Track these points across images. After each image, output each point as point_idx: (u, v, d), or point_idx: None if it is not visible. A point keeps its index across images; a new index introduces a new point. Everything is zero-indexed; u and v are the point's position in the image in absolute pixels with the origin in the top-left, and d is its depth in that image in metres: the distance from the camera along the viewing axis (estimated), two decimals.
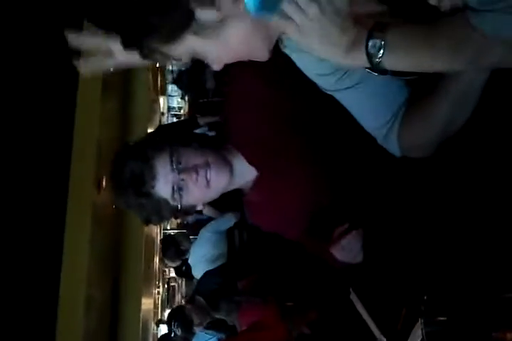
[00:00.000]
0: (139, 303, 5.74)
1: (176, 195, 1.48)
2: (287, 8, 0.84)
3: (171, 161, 1.49)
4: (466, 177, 1.12)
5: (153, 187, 1.46)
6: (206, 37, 0.89)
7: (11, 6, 4.53)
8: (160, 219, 1.56)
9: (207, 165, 1.51)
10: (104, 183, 5.08)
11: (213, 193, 1.55)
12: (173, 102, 9.13)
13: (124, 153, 1.55)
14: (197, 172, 1.49)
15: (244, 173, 1.61)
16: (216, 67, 0.99)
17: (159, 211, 1.51)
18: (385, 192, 1.26)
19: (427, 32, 0.86)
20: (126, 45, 0.90)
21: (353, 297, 1.47)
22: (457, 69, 0.88)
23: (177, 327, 3.71)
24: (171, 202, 1.50)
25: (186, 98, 7.43)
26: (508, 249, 0.96)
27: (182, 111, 8.59)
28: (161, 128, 3.75)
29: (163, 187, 1.47)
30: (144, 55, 0.93)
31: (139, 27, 0.86)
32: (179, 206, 1.50)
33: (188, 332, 3.64)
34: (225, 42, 0.90)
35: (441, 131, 1.07)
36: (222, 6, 0.86)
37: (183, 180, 1.48)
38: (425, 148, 1.12)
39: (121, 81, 5.92)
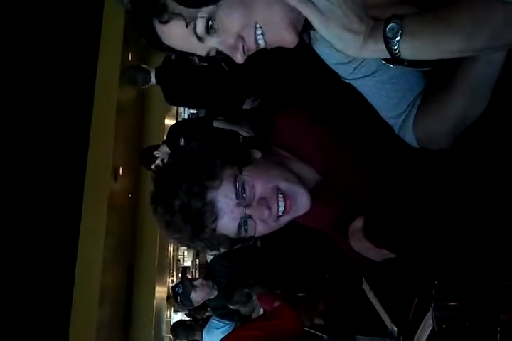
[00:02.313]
0: (153, 291, 5.80)
1: (242, 232, 1.22)
2: None
3: (236, 192, 1.19)
4: (483, 169, 1.12)
5: (214, 229, 1.19)
6: None
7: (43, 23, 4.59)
8: (216, 251, 1.32)
9: (279, 192, 1.22)
10: (120, 172, 5.13)
11: (287, 222, 1.28)
12: None
13: (171, 177, 1.21)
14: (269, 208, 1.21)
15: (310, 180, 1.33)
16: (238, 56, 0.92)
17: (217, 247, 1.27)
18: (400, 182, 1.25)
19: (445, 12, 0.85)
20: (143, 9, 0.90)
21: (366, 287, 1.48)
22: (478, 48, 0.85)
23: (180, 292, 3.73)
24: (233, 237, 1.24)
25: None
26: None
27: None
28: (183, 129, 3.59)
29: (227, 226, 1.20)
30: (163, 20, 0.89)
31: None
32: (240, 239, 1.26)
33: (187, 295, 3.65)
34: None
35: (457, 121, 1.07)
36: None
37: (250, 216, 1.21)
38: (441, 139, 1.11)
39: None
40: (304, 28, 0.97)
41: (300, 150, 1.33)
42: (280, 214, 1.23)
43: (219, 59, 1.00)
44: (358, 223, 1.32)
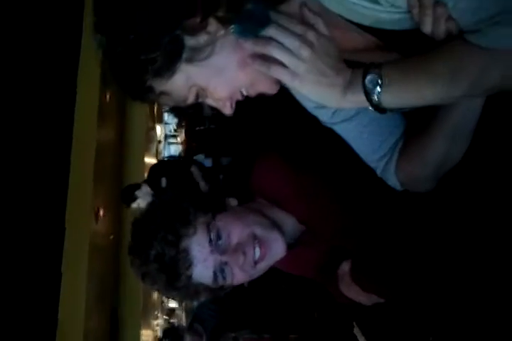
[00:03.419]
0: (138, 335, 5.65)
1: (219, 280, 1.21)
2: (279, 53, 0.85)
3: (210, 240, 1.19)
4: (469, 212, 1.11)
5: (189, 277, 1.18)
6: (201, 63, 0.87)
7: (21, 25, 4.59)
8: (196, 301, 1.33)
9: (254, 239, 1.21)
10: (101, 213, 5.05)
11: (265, 269, 1.27)
12: (169, 130, 9.16)
13: (146, 227, 1.22)
14: (244, 254, 1.20)
15: (291, 230, 1.31)
16: (227, 109, 0.95)
17: (196, 296, 1.26)
18: (384, 225, 1.24)
19: (424, 60, 0.85)
20: (129, 91, 0.91)
21: (357, 331, 1.44)
22: (458, 95, 0.86)
23: None
24: (211, 286, 1.23)
25: (183, 126, 7.45)
26: None
27: (178, 139, 8.62)
28: (163, 169, 3.60)
29: (202, 274, 1.20)
30: (148, 99, 0.92)
31: (133, 67, 0.85)
32: (219, 288, 1.24)
33: None
34: (221, 68, 0.89)
35: (438, 165, 1.07)
36: (210, 29, 0.86)
37: (226, 263, 1.20)
38: (424, 182, 1.11)
39: (118, 109, 5.95)
40: None
41: (279, 198, 1.32)
42: (256, 259, 1.22)
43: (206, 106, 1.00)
44: (345, 267, 1.31)
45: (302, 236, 1.33)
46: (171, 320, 7.45)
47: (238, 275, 1.22)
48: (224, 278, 1.21)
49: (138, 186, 3.82)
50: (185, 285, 1.19)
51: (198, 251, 1.18)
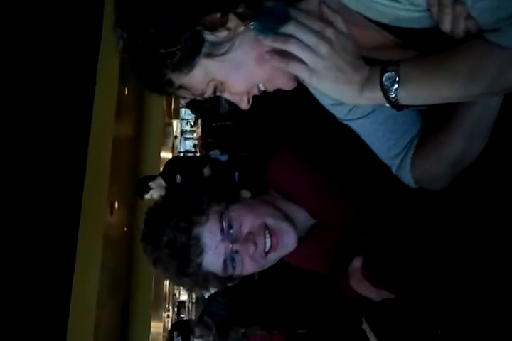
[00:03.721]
0: (149, 327, 5.69)
1: (229, 268, 1.22)
2: (297, 50, 0.86)
3: (222, 228, 1.21)
4: (482, 210, 1.11)
5: (199, 264, 1.20)
6: (219, 58, 0.89)
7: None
8: (205, 290, 1.34)
9: (266, 229, 1.22)
10: (116, 206, 5.10)
11: (275, 260, 1.28)
12: (186, 126, 9.20)
13: (159, 215, 1.25)
14: (255, 243, 1.21)
15: (302, 223, 1.32)
16: (244, 104, 0.97)
17: (205, 285, 1.27)
18: (398, 222, 1.25)
19: (442, 58, 0.86)
20: (148, 84, 0.93)
21: (366, 327, 1.45)
22: (476, 94, 0.86)
23: (177, 336, 3.71)
24: (220, 275, 1.24)
25: (199, 122, 7.49)
26: None
27: (195, 134, 8.66)
28: (178, 165, 3.64)
29: (212, 261, 1.21)
30: (167, 92, 0.94)
31: (152, 61, 0.87)
32: (230, 277, 1.25)
33: None
34: (240, 64, 0.91)
35: (455, 162, 1.07)
36: (230, 25, 0.87)
37: (237, 252, 1.21)
38: (439, 180, 1.11)
39: (135, 105, 5.99)
40: None
41: (293, 192, 1.33)
42: (267, 250, 1.23)
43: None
44: (357, 263, 1.32)
45: (313, 229, 1.35)
46: (181, 313, 7.50)
47: (248, 265, 1.23)
48: (234, 267, 1.22)
49: (153, 178, 3.88)
50: (196, 272, 1.21)
51: (209, 238, 1.20)
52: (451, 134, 1.04)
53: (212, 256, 1.21)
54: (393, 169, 1.15)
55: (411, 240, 1.22)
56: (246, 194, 1.32)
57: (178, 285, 1.31)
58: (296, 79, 0.96)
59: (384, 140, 1.13)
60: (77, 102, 4.98)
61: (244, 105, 0.98)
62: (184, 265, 1.20)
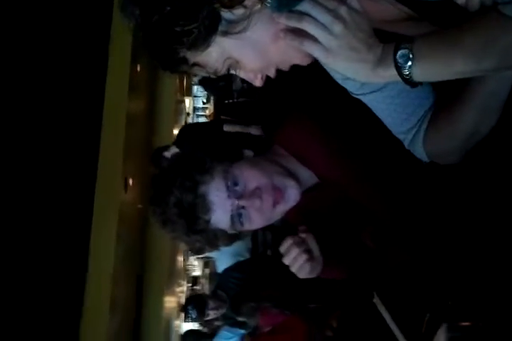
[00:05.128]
0: (163, 301, 5.78)
1: (236, 224, 1.27)
2: (311, 28, 0.86)
3: (227, 185, 1.25)
4: (494, 185, 1.11)
5: (207, 221, 1.25)
6: (236, 36, 0.89)
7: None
8: (215, 248, 1.37)
9: (269, 184, 1.27)
10: (130, 182, 5.13)
11: (281, 213, 1.32)
12: (198, 103, 9.19)
13: (165, 177, 1.29)
14: (261, 198, 1.26)
15: (305, 180, 1.37)
16: (257, 81, 0.97)
17: (215, 243, 1.31)
18: (412, 198, 1.25)
19: (456, 32, 0.85)
20: (162, 62, 0.93)
21: (377, 300, 1.47)
22: (490, 68, 0.85)
23: (192, 309, 3.79)
24: (229, 231, 1.30)
25: (212, 99, 7.47)
26: None
27: (207, 111, 8.65)
28: (191, 131, 3.68)
29: (220, 218, 1.26)
30: (181, 70, 0.95)
31: (168, 39, 0.87)
32: (238, 233, 1.31)
33: (201, 313, 3.71)
34: (256, 42, 0.91)
35: (468, 136, 1.07)
36: (246, 3, 0.87)
37: (243, 207, 1.26)
38: (452, 154, 1.11)
39: (148, 82, 5.98)
40: None
41: (304, 153, 1.36)
42: (272, 203, 1.28)
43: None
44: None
45: (317, 187, 1.40)
46: (195, 288, 7.60)
47: (255, 219, 1.28)
48: (241, 222, 1.26)
49: (167, 147, 3.90)
50: (204, 229, 1.25)
51: (215, 196, 1.24)
52: (464, 107, 1.04)
53: (220, 213, 1.25)
54: (406, 143, 1.15)
55: (421, 210, 1.22)
56: (249, 153, 1.36)
57: (188, 244, 1.35)
58: (311, 55, 0.96)
59: (397, 114, 1.13)
60: (90, 78, 4.98)
61: (258, 82, 0.99)
62: (192, 223, 1.24)
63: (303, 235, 1.35)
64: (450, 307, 0.80)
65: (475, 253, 1.05)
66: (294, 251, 1.34)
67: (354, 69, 0.90)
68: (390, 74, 0.89)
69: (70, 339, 4.63)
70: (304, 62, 0.97)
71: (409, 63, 0.85)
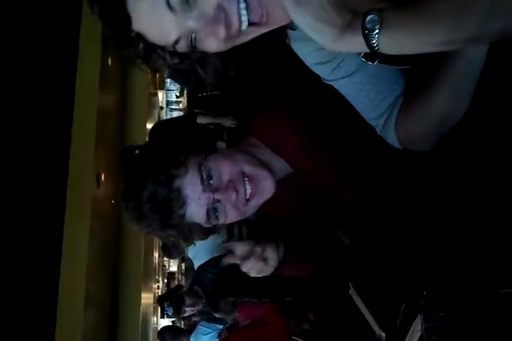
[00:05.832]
0: (139, 298, 5.75)
1: (212, 218, 1.23)
2: None
3: (201, 179, 1.21)
4: (468, 172, 1.09)
5: (182, 215, 1.20)
6: None
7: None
8: (190, 243, 1.32)
9: (244, 176, 1.24)
10: (103, 177, 5.07)
11: (256, 206, 1.29)
12: (172, 97, 9.12)
13: (138, 171, 1.23)
14: (236, 191, 1.23)
15: (279, 171, 1.34)
16: (221, 45, 0.91)
17: (190, 237, 1.27)
18: (384, 186, 1.23)
19: (427, 3, 0.82)
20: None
21: (353, 292, 1.45)
22: (461, 40, 0.81)
23: (168, 306, 3.76)
24: (204, 225, 1.25)
25: (185, 92, 7.41)
26: (507, 244, 0.94)
27: (181, 105, 8.59)
28: (164, 128, 3.61)
29: (195, 212, 1.22)
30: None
31: None
32: (213, 227, 1.27)
33: (178, 311, 3.68)
34: None
35: (439, 121, 1.05)
36: None
37: (219, 201, 1.22)
38: (424, 140, 1.09)
39: (120, 75, 5.90)
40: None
41: (279, 142, 1.34)
42: (248, 197, 1.25)
43: (194, 58, 0.96)
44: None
45: (289, 177, 1.36)
46: (171, 284, 7.57)
47: (231, 214, 1.25)
48: (217, 216, 1.23)
49: (139, 147, 3.83)
50: (179, 223, 1.21)
51: (190, 190, 1.20)
52: (433, 91, 1.02)
53: (195, 207, 1.21)
54: (378, 129, 1.13)
55: (398, 200, 1.21)
56: (221, 145, 1.33)
57: (163, 239, 1.32)
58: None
59: (368, 100, 1.11)
60: (60, 73, 4.89)
61: (222, 31, 0.88)
62: (167, 217, 1.20)
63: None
64: (425, 297, 0.78)
65: (448, 243, 1.04)
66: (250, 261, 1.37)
67: (319, 30, 0.85)
68: (357, 41, 0.84)
69: (45, 334, 4.57)
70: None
71: (377, 30, 0.81)
